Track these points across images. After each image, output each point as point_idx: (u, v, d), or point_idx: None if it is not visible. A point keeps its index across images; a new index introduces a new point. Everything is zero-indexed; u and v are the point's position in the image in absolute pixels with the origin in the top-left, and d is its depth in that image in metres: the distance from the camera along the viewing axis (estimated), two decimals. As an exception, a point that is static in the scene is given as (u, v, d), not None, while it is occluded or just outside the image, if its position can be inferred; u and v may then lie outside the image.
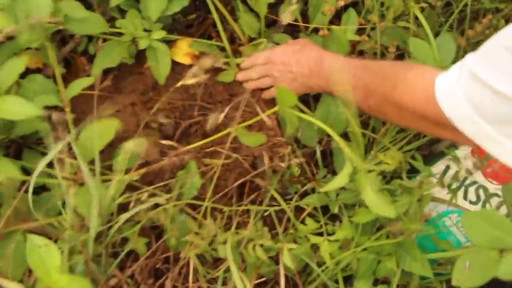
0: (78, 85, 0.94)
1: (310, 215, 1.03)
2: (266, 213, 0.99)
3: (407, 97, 0.80)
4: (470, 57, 0.69)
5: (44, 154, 1.07)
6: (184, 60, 1.13)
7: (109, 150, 1.07)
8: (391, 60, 1.08)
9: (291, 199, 1.14)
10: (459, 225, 1.07)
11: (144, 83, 1.14)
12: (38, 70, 1.13)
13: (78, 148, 0.85)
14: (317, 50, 1.03)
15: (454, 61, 0.96)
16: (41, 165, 0.78)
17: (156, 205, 0.98)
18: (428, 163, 1.13)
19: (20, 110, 0.77)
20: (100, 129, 0.91)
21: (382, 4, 1.08)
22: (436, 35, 1.28)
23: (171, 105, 1.14)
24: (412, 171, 1.09)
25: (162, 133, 1.12)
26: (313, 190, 1.14)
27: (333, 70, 0.97)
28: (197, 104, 1.14)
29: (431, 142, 1.15)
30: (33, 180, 0.79)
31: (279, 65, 1.05)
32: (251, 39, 1.15)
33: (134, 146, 1.03)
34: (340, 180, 0.73)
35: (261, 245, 0.83)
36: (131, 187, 1.02)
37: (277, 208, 0.97)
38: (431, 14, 1.24)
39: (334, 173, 1.13)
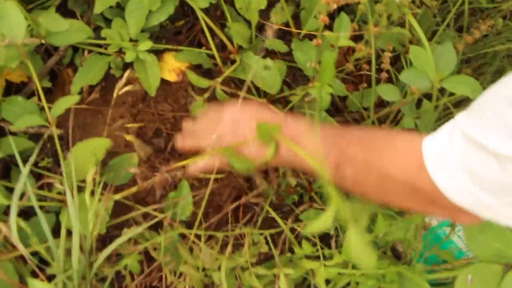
0: (63, 104, 0.91)
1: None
2: (262, 235, 0.97)
3: (395, 165, 0.66)
4: (462, 115, 0.57)
5: (33, 172, 1.05)
6: (170, 77, 1.09)
7: (101, 166, 1.04)
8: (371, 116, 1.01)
9: (287, 211, 1.12)
10: (460, 234, 1.05)
11: (133, 94, 1.10)
12: (22, 84, 1.09)
13: (66, 168, 0.81)
14: (278, 113, 0.86)
15: (455, 70, 0.94)
16: (18, 187, 0.75)
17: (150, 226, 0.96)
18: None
19: None
20: (91, 149, 0.88)
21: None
22: (433, 34, 1.25)
23: (162, 116, 1.10)
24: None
25: (153, 145, 1.09)
26: (310, 199, 1.12)
27: (298, 132, 0.77)
28: (189, 116, 1.11)
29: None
30: (14, 204, 0.76)
31: (229, 125, 0.83)
32: (241, 47, 1.11)
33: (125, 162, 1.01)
34: (323, 222, 0.66)
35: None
36: (123, 205, 0.99)
37: (273, 231, 0.95)
38: (426, 13, 1.20)
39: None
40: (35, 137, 1.06)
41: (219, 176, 1.03)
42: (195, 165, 0.87)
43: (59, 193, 0.96)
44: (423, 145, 0.62)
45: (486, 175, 0.53)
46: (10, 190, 0.97)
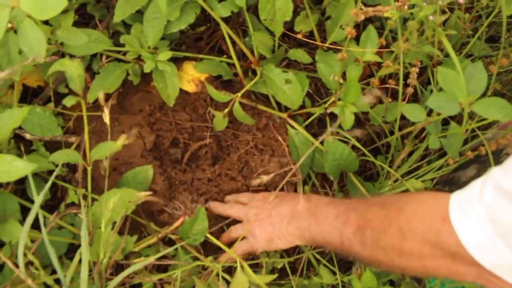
0: (103, 150, 0.89)
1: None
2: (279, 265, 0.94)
3: (417, 216, 0.64)
4: (498, 170, 0.55)
5: (46, 180, 1.03)
6: (189, 87, 1.06)
7: (115, 176, 1.02)
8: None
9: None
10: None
11: (151, 102, 1.07)
12: (39, 88, 1.07)
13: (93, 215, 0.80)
14: (301, 194, 0.92)
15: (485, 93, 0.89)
16: (28, 223, 0.73)
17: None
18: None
19: (11, 169, 0.70)
20: (122, 201, 0.85)
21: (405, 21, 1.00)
22: (462, 45, 1.20)
23: (179, 126, 1.08)
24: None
25: (170, 156, 1.06)
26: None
27: (319, 204, 0.83)
28: (207, 126, 1.08)
29: (454, 169, 1.08)
30: (22, 240, 0.73)
31: (257, 208, 0.92)
32: (262, 56, 1.08)
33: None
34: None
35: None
36: (136, 221, 0.97)
37: (291, 259, 0.92)
38: (457, 25, 1.15)
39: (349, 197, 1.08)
40: (50, 144, 1.05)
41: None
42: (228, 234, 0.96)
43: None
44: (450, 197, 0.60)
45: None
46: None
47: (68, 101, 0.95)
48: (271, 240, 0.89)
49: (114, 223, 0.83)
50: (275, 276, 0.85)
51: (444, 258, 0.61)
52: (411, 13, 0.94)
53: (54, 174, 0.79)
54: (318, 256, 0.96)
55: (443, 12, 0.93)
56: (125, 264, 0.89)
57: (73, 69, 0.81)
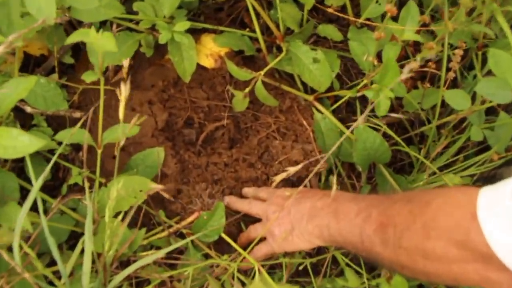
0: (115, 133, 0.79)
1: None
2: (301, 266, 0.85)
3: (443, 216, 0.56)
4: None
5: (48, 160, 0.94)
6: (207, 63, 0.95)
7: (123, 156, 0.92)
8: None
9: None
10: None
11: (165, 77, 0.97)
12: (42, 57, 0.97)
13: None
14: (323, 190, 0.85)
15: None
16: (24, 209, 0.63)
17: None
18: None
19: (16, 145, 0.62)
20: (132, 189, 0.76)
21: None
22: None
23: (195, 104, 0.97)
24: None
25: (183, 137, 0.96)
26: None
27: (340, 200, 0.75)
28: (225, 105, 0.98)
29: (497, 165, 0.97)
30: (18, 229, 0.65)
31: (277, 206, 0.84)
32: (288, 31, 0.97)
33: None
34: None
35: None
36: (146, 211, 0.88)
37: (314, 259, 0.82)
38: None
39: (377, 192, 0.97)
40: (52, 119, 0.95)
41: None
42: (247, 234, 0.88)
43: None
44: (479, 192, 0.53)
45: None
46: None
47: (88, 77, 0.85)
48: (291, 240, 0.80)
49: (122, 213, 0.74)
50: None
51: (474, 261, 0.53)
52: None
53: (57, 153, 0.70)
54: (344, 258, 0.86)
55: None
56: (131, 257, 0.81)
57: (101, 43, 0.70)
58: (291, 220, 0.80)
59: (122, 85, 0.71)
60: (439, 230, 0.56)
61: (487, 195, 0.53)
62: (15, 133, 0.64)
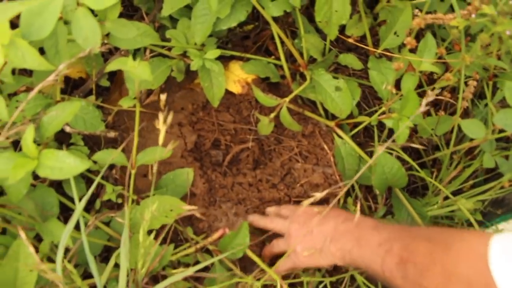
0: (151, 155, 0.81)
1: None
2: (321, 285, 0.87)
3: (464, 261, 0.57)
4: None
5: (82, 175, 0.96)
6: (235, 88, 0.98)
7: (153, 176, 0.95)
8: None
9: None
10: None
11: (194, 101, 1.00)
12: (80, 80, 1.00)
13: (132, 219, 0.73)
14: (346, 212, 0.85)
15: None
16: (68, 228, 0.66)
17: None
18: (503, 216, 0.97)
19: (63, 167, 0.64)
20: (164, 209, 0.79)
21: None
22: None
23: (222, 127, 1.00)
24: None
25: (211, 158, 0.99)
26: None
27: (363, 227, 0.76)
28: (250, 128, 1.00)
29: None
30: (61, 247, 0.67)
31: (299, 224, 0.85)
32: (311, 59, 0.99)
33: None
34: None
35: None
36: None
37: (333, 278, 0.84)
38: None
39: (392, 213, 0.99)
40: (88, 138, 0.98)
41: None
42: (270, 248, 0.89)
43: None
44: (491, 241, 0.54)
45: None
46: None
47: (126, 102, 0.88)
48: (312, 257, 0.81)
49: (153, 231, 0.76)
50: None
51: None
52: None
53: (100, 175, 0.72)
54: (360, 276, 0.88)
55: None
56: (160, 272, 0.83)
57: (138, 72, 0.73)
58: (313, 238, 0.82)
59: (160, 115, 0.74)
60: (459, 276, 0.58)
61: (500, 243, 0.54)
62: (61, 155, 0.65)
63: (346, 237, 0.77)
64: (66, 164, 0.65)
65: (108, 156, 0.82)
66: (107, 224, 0.90)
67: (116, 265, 0.74)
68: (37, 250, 0.80)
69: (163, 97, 0.74)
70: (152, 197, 0.79)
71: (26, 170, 0.62)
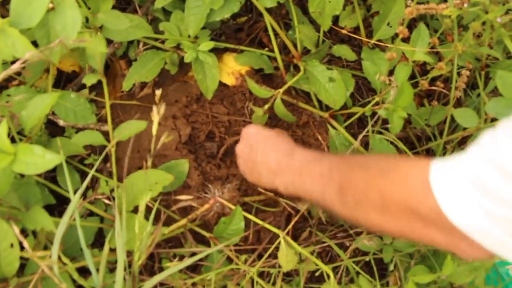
0: (128, 129, 0.80)
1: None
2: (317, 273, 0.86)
3: (397, 186, 0.59)
4: (488, 137, 0.49)
5: (76, 168, 0.95)
6: (228, 80, 0.97)
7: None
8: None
9: (339, 227, 1.01)
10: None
11: (188, 93, 0.98)
12: (73, 73, 0.99)
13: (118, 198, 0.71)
14: (289, 143, 0.82)
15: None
16: (63, 221, 0.64)
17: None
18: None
19: (39, 161, 0.61)
20: (148, 183, 0.77)
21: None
22: None
23: (216, 119, 0.99)
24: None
25: (205, 150, 0.98)
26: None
27: (304, 161, 0.76)
28: (245, 120, 0.99)
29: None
30: (56, 243, 0.65)
31: (245, 147, 0.85)
32: (304, 50, 0.98)
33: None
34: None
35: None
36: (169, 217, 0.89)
37: (329, 267, 0.83)
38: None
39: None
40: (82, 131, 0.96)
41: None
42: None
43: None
44: (431, 163, 0.54)
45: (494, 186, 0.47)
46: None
47: (88, 80, 0.87)
48: (258, 181, 0.83)
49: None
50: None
51: (421, 222, 0.57)
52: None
53: (93, 170, 0.70)
54: (355, 266, 0.87)
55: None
56: (154, 251, 0.81)
57: (94, 45, 0.72)
58: (257, 166, 0.82)
59: (155, 109, 0.73)
60: (393, 197, 0.59)
61: (439, 164, 0.54)
62: (37, 150, 0.62)
63: (288, 171, 0.77)
64: (41, 159, 0.62)
65: (87, 138, 0.81)
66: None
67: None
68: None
69: (158, 92, 0.73)
70: (137, 172, 0.78)
71: (1, 165, 0.60)
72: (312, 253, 0.91)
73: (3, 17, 0.61)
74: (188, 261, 0.69)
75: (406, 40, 0.91)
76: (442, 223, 0.53)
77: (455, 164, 0.52)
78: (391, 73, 0.93)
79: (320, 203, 0.71)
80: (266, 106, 0.92)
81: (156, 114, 0.71)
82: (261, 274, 0.89)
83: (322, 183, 0.70)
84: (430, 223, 0.55)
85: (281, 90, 0.91)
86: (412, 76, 1.06)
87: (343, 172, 0.68)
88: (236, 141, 0.98)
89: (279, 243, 0.80)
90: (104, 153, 0.80)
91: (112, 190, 0.90)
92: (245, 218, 0.87)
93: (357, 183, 0.65)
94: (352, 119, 0.98)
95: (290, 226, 0.89)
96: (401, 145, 0.92)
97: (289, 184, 0.76)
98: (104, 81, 0.80)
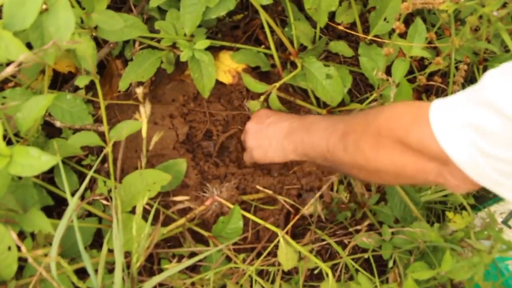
0: (124, 129, 0.79)
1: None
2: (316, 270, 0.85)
3: (391, 121, 0.64)
4: (486, 76, 0.50)
5: (74, 169, 0.94)
6: (225, 78, 0.96)
7: (146, 167, 0.93)
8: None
9: (338, 224, 1.00)
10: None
11: (185, 92, 0.98)
12: (70, 74, 0.98)
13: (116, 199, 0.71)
14: (299, 115, 0.89)
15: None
16: (62, 223, 0.63)
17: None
18: (495, 199, 0.96)
19: (35, 163, 0.61)
20: (146, 183, 0.77)
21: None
22: None
23: (213, 117, 0.98)
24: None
25: (202, 149, 0.97)
26: (363, 215, 1.00)
27: (315, 118, 0.82)
28: (243, 117, 0.98)
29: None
30: (55, 245, 0.64)
31: (256, 122, 0.91)
32: (301, 47, 0.98)
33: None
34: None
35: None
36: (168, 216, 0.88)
37: (330, 263, 0.83)
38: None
39: (385, 200, 0.98)
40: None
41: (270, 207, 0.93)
42: (248, 161, 0.94)
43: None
44: (432, 104, 0.57)
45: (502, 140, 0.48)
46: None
47: (81, 81, 0.87)
48: (266, 153, 0.87)
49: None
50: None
51: (410, 151, 0.60)
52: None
53: (90, 172, 0.70)
54: (354, 264, 0.87)
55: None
56: (153, 251, 0.81)
57: (84, 46, 0.71)
58: (268, 135, 0.87)
59: (141, 107, 0.72)
60: (388, 131, 0.63)
61: (439, 102, 0.56)
62: (33, 152, 0.62)
63: (298, 130, 0.82)
64: (36, 160, 0.62)
65: (83, 139, 0.81)
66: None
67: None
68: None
69: (139, 90, 0.73)
70: (134, 172, 0.78)
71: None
72: (311, 251, 0.91)
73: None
74: (187, 262, 0.69)
75: (403, 35, 0.91)
76: (428, 152, 0.56)
77: (454, 102, 0.54)
78: (388, 68, 0.93)
79: (327, 158, 0.75)
80: (262, 98, 0.92)
81: (143, 113, 0.70)
82: (260, 273, 0.89)
83: (327, 134, 0.74)
84: (419, 153, 0.59)
85: (276, 85, 0.91)
86: (410, 71, 1.06)
87: (346, 121, 0.74)
88: (230, 136, 0.98)
89: (278, 241, 0.79)
90: (102, 154, 0.80)
91: (110, 191, 0.90)
92: (244, 216, 0.87)
93: (357, 125, 0.70)
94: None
95: (289, 226, 0.88)
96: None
97: (299, 142, 0.81)
98: (97, 81, 0.79)
